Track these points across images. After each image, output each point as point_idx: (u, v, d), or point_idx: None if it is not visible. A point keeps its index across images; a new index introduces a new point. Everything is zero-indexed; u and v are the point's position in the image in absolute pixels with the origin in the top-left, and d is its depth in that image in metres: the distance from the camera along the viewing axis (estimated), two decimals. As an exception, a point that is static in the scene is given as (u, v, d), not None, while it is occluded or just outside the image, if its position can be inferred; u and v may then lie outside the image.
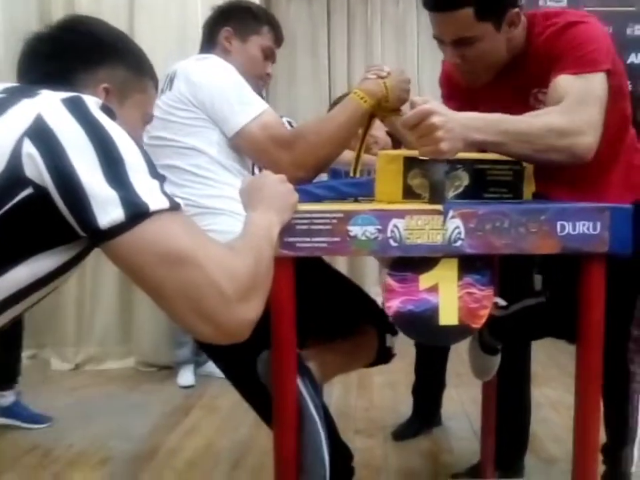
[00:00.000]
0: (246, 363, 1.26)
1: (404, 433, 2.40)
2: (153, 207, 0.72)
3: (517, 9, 1.34)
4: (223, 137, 1.34)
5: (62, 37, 0.91)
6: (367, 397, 2.88)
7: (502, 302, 1.46)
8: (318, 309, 1.29)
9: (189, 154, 1.34)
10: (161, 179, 0.77)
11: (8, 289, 0.73)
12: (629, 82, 1.47)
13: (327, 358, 1.31)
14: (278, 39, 1.55)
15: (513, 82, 1.42)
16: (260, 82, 1.52)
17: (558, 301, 1.45)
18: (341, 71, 4.47)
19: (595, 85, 1.28)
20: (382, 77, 1.38)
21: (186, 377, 3.10)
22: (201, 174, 1.35)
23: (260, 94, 1.42)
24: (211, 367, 2.92)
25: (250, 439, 2.34)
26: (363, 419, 2.59)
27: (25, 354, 3.31)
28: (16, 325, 2.57)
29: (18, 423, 2.58)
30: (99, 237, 0.72)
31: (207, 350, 1.50)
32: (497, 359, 1.64)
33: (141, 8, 3.34)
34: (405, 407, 2.52)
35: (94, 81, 0.90)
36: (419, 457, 2.25)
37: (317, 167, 1.33)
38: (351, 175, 1.39)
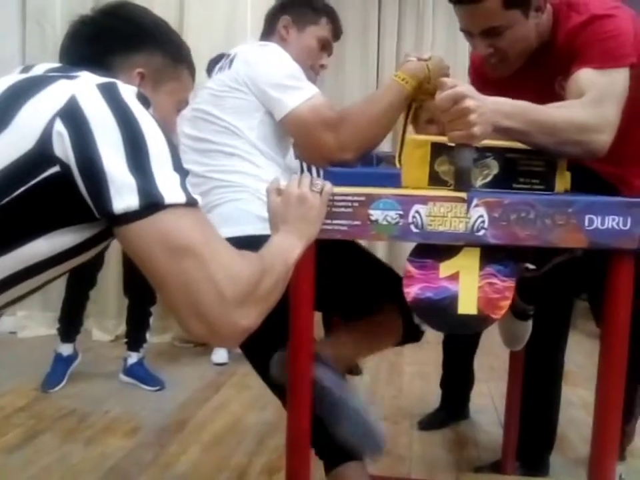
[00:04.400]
0: (262, 356, 1.28)
1: (430, 422, 2.39)
2: (168, 199, 0.73)
3: None
4: (265, 123, 1.37)
5: (103, 21, 0.93)
6: (396, 386, 2.88)
7: (531, 267, 1.42)
8: (333, 289, 1.29)
9: (228, 134, 1.38)
10: (183, 173, 0.77)
11: (29, 260, 0.76)
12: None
13: (341, 340, 1.31)
14: (336, 31, 1.57)
15: (539, 69, 1.40)
16: (313, 72, 1.54)
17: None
18: (389, 58, 4.43)
19: (617, 81, 1.26)
20: (424, 59, 1.39)
21: (220, 354, 3.17)
22: (234, 153, 1.38)
23: (314, 83, 1.44)
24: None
25: (277, 418, 2.37)
26: (390, 406, 2.59)
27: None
28: (145, 302, 2.80)
29: (136, 382, 2.79)
30: (113, 221, 0.74)
31: None
32: (528, 325, 1.60)
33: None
34: (433, 398, 2.51)
35: (130, 65, 0.92)
36: (443, 448, 2.24)
37: (362, 149, 1.34)
38: (396, 164, 1.36)
